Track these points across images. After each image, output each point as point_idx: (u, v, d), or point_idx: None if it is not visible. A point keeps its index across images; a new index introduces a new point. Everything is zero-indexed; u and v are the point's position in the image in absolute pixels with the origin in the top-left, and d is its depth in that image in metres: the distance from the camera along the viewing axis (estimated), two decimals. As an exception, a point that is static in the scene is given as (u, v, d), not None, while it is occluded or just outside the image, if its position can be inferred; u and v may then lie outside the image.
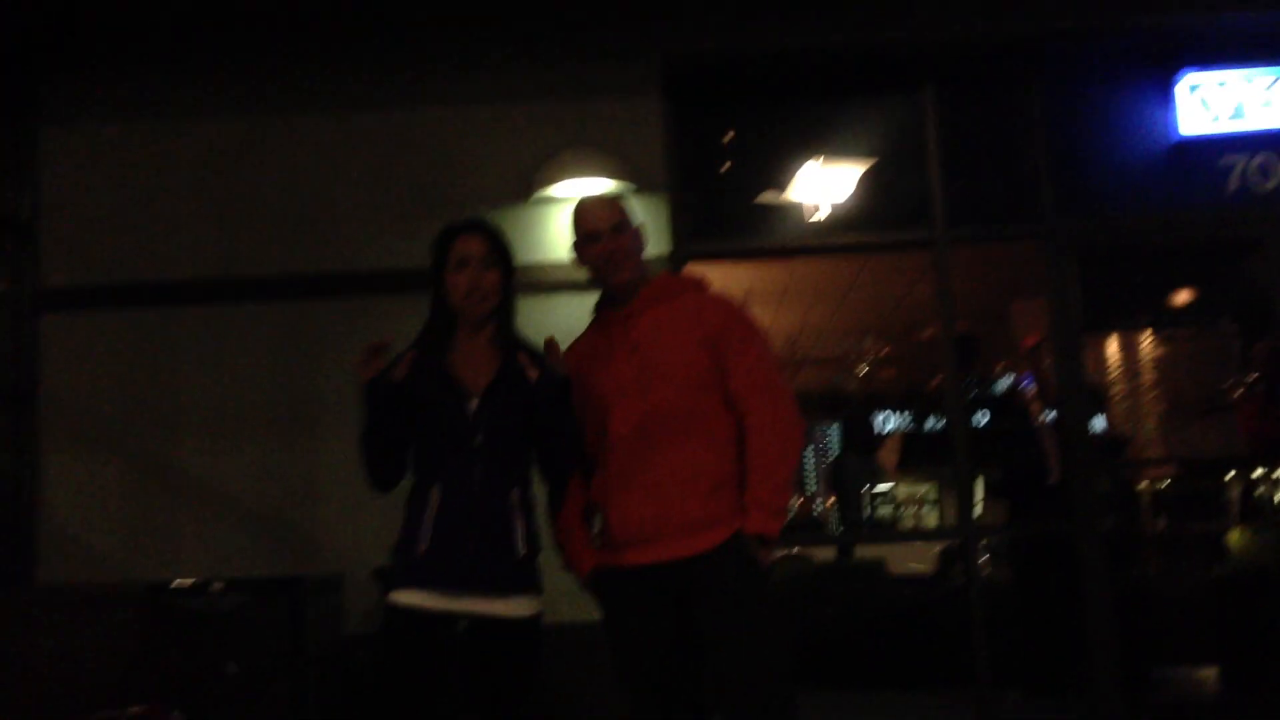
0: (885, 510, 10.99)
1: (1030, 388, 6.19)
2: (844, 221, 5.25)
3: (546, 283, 4.78)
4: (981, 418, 6.37)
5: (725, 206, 5.27)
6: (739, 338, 2.95)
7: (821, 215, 5.23)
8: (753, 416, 2.88)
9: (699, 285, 3.11)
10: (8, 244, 4.80)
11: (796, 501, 12.37)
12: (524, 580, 2.83)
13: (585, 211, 3.05)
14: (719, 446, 2.89)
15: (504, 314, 2.93)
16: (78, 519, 4.69)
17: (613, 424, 2.90)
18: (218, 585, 4.23)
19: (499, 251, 2.92)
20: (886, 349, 9.43)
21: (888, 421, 11.10)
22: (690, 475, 2.84)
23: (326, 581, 4.48)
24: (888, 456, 9.83)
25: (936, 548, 9.03)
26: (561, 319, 4.77)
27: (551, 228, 4.84)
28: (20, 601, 3.12)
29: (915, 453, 10.22)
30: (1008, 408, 6.54)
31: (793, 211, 5.25)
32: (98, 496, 4.71)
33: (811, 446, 12.43)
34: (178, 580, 4.30)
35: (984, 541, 6.02)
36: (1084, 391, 5.12)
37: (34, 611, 3.18)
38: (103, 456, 4.73)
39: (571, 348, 3.14)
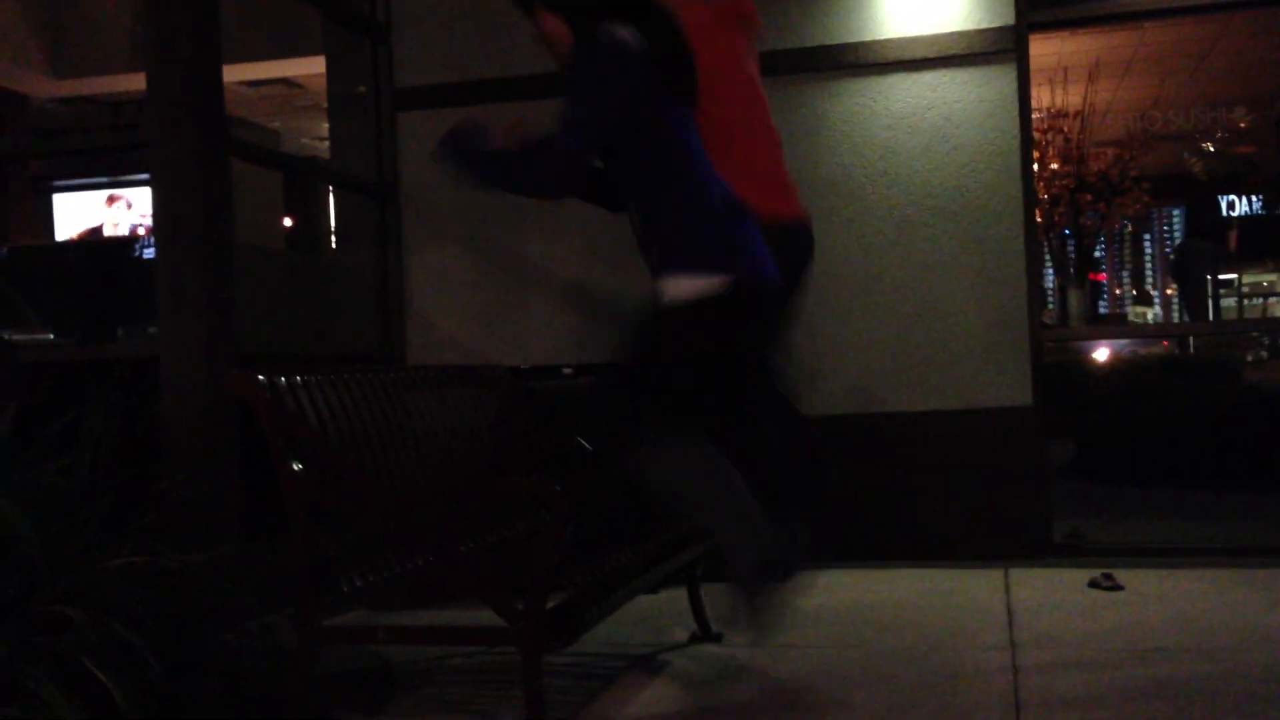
0: (1229, 301, 10.19)
1: None
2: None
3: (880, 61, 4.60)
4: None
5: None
6: None
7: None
8: None
9: None
10: (365, 45, 5.03)
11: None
12: None
13: None
14: None
15: None
16: (437, 307, 5.02)
17: None
18: (567, 370, 4.49)
19: None
20: (1243, 123, 8.54)
21: (1237, 205, 10.21)
22: None
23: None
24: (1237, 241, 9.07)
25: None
26: (896, 99, 4.61)
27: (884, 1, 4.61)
28: (397, 379, 3.39)
29: (1267, 240, 9.39)
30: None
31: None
32: (453, 285, 5.01)
33: (1152, 233, 11.62)
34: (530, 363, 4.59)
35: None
36: None
37: (408, 388, 3.44)
38: (456, 248, 5.01)
39: None
